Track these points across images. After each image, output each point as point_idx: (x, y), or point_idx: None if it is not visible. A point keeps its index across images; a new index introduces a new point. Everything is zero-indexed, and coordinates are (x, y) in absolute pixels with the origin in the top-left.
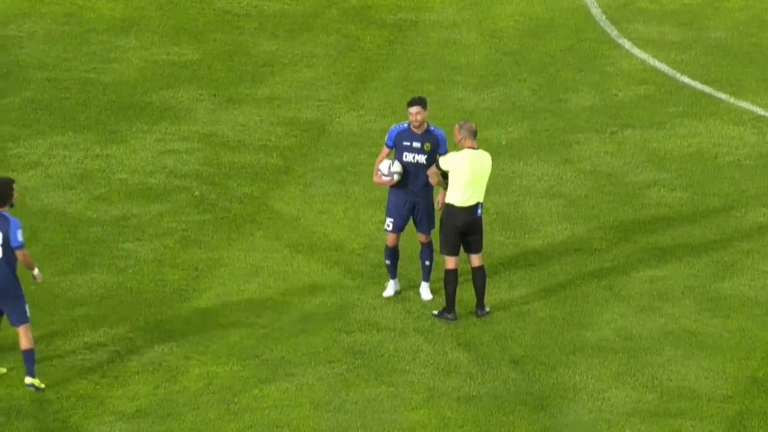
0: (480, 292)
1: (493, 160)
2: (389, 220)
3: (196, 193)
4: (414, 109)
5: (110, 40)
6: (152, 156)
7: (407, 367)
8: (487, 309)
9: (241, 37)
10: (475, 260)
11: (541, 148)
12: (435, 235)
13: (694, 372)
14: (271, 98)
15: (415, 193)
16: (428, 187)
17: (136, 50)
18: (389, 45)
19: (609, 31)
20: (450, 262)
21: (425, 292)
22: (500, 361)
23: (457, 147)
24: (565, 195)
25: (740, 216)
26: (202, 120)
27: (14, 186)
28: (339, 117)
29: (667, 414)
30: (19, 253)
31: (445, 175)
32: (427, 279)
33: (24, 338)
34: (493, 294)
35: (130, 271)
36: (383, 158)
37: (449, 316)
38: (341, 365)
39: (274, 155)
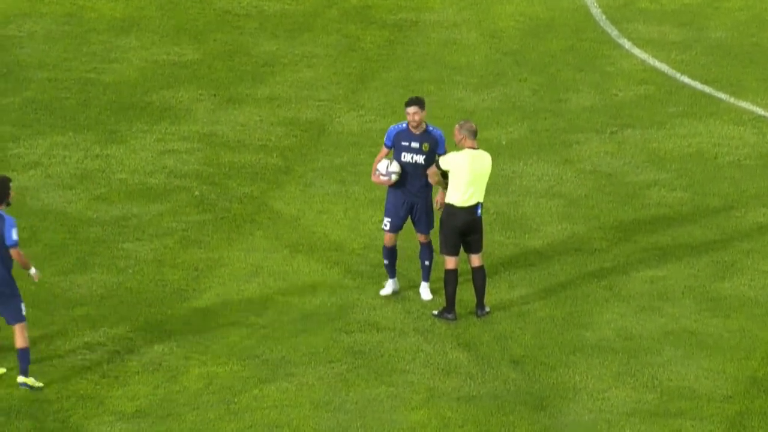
0: (480, 292)
1: (493, 160)
2: (387, 220)
3: (196, 193)
4: (411, 109)
5: (110, 40)
6: (152, 156)
7: (407, 367)
8: (487, 309)
9: (241, 37)
10: (475, 260)
11: (541, 148)
12: (434, 235)
13: (694, 372)
14: (271, 98)
15: (413, 194)
16: (427, 188)
17: (136, 50)
18: (389, 45)
19: (609, 31)
20: (450, 262)
21: (425, 292)
22: (500, 361)
23: (457, 147)
24: (565, 195)
25: (740, 216)
26: (202, 120)
27: (11, 185)
28: (339, 117)
29: (667, 414)
30: (13, 252)
31: (444, 174)
32: (427, 279)
33: (19, 337)
34: (493, 294)
35: (130, 271)
36: (382, 158)
37: (449, 316)
38: (341, 365)
39: (274, 155)
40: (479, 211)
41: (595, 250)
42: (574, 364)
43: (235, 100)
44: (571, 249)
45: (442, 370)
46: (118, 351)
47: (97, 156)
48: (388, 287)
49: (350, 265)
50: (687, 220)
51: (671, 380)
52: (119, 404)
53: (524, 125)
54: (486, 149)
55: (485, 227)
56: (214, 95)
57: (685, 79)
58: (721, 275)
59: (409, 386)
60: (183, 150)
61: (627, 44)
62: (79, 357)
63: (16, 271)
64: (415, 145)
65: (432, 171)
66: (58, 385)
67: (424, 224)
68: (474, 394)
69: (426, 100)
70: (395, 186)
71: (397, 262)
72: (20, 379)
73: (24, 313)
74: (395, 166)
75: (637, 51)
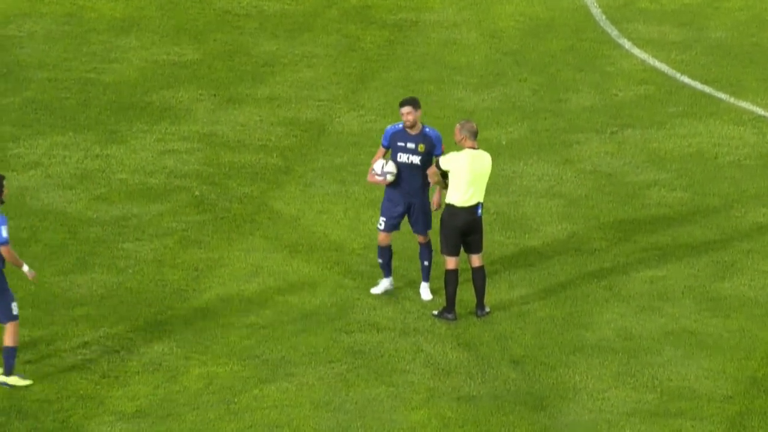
0: (480, 293)
1: (493, 160)
2: (382, 219)
3: (196, 193)
4: (404, 110)
5: (110, 40)
6: (152, 156)
7: (407, 367)
8: (487, 309)
9: (241, 37)
10: (476, 260)
11: (541, 148)
12: (434, 235)
13: (694, 372)
14: (271, 98)
15: (410, 194)
16: (424, 188)
17: (136, 50)
18: (389, 45)
19: (609, 31)
20: (450, 263)
21: (425, 292)
22: (500, 361)
23: (458, 147)
24: (565, 195)
25: (740, 216)
26: (202, 120)
27: (4, 182)
28: (339, 117)
29: (667, 414)
30: (3, 250)
31: (444, 175)
32: (426, 279)
33: (8, 335)
34: (493, 294)
35: (130, 271)
36: (379, 158)
37: (449, 316)
38: (341, 365)
39: (274, 155)
40: (479, 211)
41: (595, 250)
42: (574, 364)
43: (235, 100)
44: (571, 249)
45: (442, 370)
46: (118, 351)
47: (97, 156)
48: (381, 286)
49: (350, 265)
50: (687, 220)
51: (671, 380)
52: (119, 404)
53: (524, 125)
54: (486, 149)
55: (485, 227)
56: (214, 95)
57: (685, 79)
58: (721, 275)
59: (409, 386)
60: (183, 150)
61: (627, 44)
62: (79, 357)
63: (15, 271)
64: (410, 145)
65: (432, 171)
66: (58, 385)
67: (421, 225)
68: (474, 394)
69: (426, 100)
70: (392, 186)
71: (398, 263)
72: (1, 378)
73: (15, 312)
74: (390, 166)
75: (637, 51)
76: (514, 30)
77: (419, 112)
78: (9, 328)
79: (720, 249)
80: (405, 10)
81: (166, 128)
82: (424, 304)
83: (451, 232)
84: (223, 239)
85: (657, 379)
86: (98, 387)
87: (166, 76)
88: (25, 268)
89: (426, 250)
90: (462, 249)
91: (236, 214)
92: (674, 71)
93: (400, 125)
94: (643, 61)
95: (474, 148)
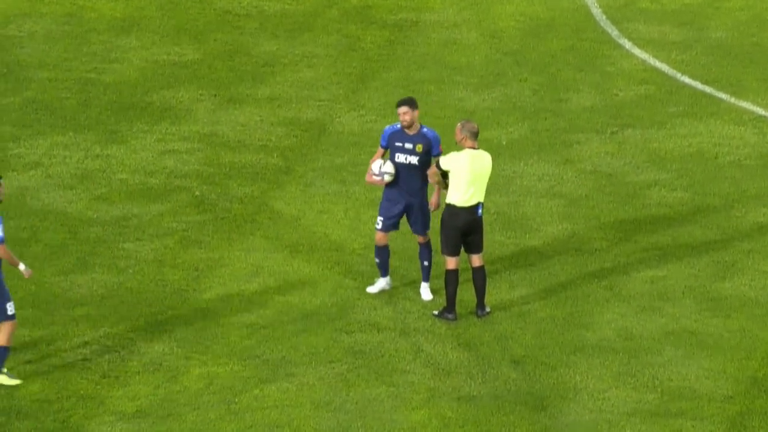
0: (480, 293)
1: (493, 160)
2: (379, 219)
3: (197, 193)
4: (401, 110)
5: (111, 40)
6: (153, 156)
7: (407, 367)
8: (488, 309)
9: (241, 37)
10: (476, 260)
11: (541, 148)
12: (434, 235)
13: (694, 372)
14: (271, 98)
15: (408, 194)
16: (422, 188)
17: (136, 50)
18: (390, 45)
19: (609, 31)
20: (451, 263)
21: (425, 292)
22: (500, 361)
23: (458, 147)
24: (566, 195)
25: (740, 216)
26: (203, 120)
27: (2, 182)
28: (339, 117)
29: (667, 414)
30: None
31: (444, 175)
32: (426, 279)
33: (2, 334)
34: (493, 294)
35: (131, 271)
36: (377, 158)
37: (449, 316)
38: (342, 365)
39: (275, 155)
40: (480, 211)
41: (596, 250)
42: (575, 364)
43: (235, 100)
44: (572, 249)
45: (443, 370)
46: (118, 351)
47: (97, 156)
48: (378, 285)
49: (350, 265)
50: (687, 220)
51: (672, 380)
52: (119, 404)
53: (524, 125)
54: (486, 149)
55: (485, 227)
56: (215, 95)
57: (686, 79)
58: (721, 275)
59: (410, 386)
60: (183, 150)
61: (627, 44)
62: (80, 357)
63: (15, 271)
64: (408, 146)
65: (432, 171)
66: (58, 385)
67: (420, 225)
68: (474, 394)
69: (426, 100)
70: (391, 186)
71: (398, 263)
72: None
73: (10, 312)
74: (388, 167)
75: (637, 51)
76: (515, 30)
77: (416, 112)
78: (4, 327)
79: (720, 249)
80: (405, 10)
81: (167, 128)
82: (425, 304)
83: (451, 232)
84: (224, 239)
85: (657, 379)
86: (98, 387)
87: (167, 76)
88: (21, 266)
89: (426, 250)
90: (462, 249)
91: (236, 214)
92: (675, 71)
93: (398, 125)
94: (643, 61)
95: (474, 148)
